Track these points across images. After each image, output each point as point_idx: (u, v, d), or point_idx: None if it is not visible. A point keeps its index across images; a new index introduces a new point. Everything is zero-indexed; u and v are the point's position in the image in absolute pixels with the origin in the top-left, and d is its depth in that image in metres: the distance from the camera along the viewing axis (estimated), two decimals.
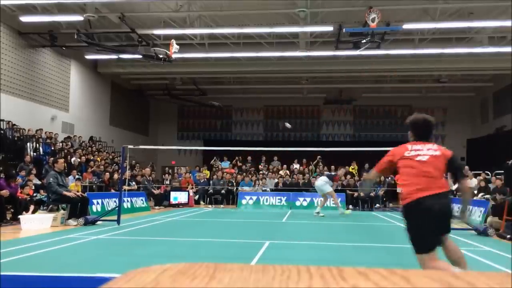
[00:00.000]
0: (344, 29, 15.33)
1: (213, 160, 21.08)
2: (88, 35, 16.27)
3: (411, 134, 3.92)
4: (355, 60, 19.94)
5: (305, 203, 16.19)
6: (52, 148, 16.74)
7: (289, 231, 9.00)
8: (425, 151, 3.73)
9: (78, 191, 10.62)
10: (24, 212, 9.72)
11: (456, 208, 12.52)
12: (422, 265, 3.49)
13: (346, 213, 13.48)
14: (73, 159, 16.36)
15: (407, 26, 15.62)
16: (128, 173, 14.56)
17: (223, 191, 17.47)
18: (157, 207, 15.45)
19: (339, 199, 13.81)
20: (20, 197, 10.10)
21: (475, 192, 13.37)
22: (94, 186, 15.01)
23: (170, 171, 20.51)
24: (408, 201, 3.59)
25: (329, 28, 16.30)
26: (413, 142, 3.87)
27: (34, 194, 11.40)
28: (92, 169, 16.13)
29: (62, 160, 10.16)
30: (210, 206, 16.78)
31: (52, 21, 17.00)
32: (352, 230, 9.38)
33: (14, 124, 16.02)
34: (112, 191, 14.05)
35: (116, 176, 15.59)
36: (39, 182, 12.58)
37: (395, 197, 18.66)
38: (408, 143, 3.89)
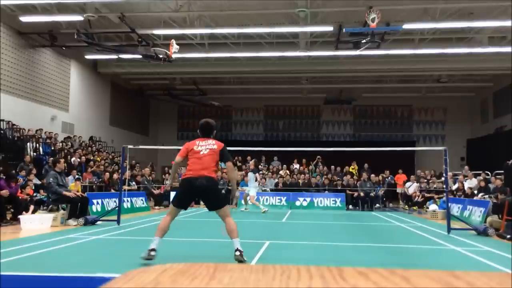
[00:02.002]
0: (344, 29, 15.33)
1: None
2: (88, 35, 16.27)
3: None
4: (355, 60, 19.93)
5: (305, 203, 16.20)
6: (52, 148, 16.74)
7: (289, 231, 9.00)
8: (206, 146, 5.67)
9: (78, 191, 10.61)
10: (24, 212, 9.71)
11: (456, 208, 12.48)
12: (169, 212, 5.54)
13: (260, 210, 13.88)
14: (73, 159, 16.36)
15: (407, 26, 15.61)
16: (128, 173, 14.56)
17: (223, 191, 17.45)
18: (157, 207, 15.45)
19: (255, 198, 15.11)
20: (20, 197, 10.10)
21: (475, 192, 13.37)
22: (94, 186, 15.01)
23: (170, 171, 20.46)
24: (183, 177, 5.60)
25: (329, 28, 16.30)
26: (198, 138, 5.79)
27: (34, 194, 11.39)
28: (92, 169, 16.12)
29: (63, 161, 10.16)
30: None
31: (52, 21, 16.99)
32: (352, 230, 9.38)
33: (14, 124, 16.02)
34: (112, 191, 14.05)
35: (115, 176, 15.59)
36: (39, 182, 12.58)
37: (395, 197, 18.68)
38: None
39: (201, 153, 5.58)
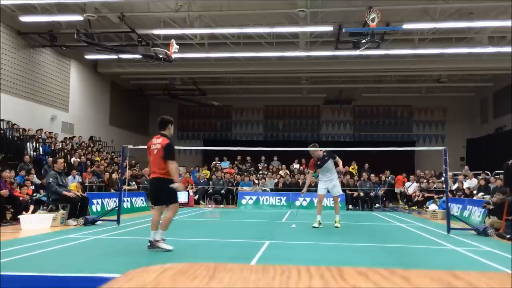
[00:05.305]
0: (344, 29, 15.33)
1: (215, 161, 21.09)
2: (88, 35, 16.27)
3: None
4: (355, 60, 19.94)
5: (305, 203, 16.18)
6: (52, 148, 16.74)
7: (289, 231, 9.00)
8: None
9: (78, 191, 10.61)
10: (24, 212, 9.71)
11: (456, 208, 12.45)
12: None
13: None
14: (73, 159, 16.37)
15: (407, 26, 15.61)
16: (128, 173, 14.57)
17: (223, 191, 17.47)
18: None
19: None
20: (20, 197, 10.10)
21: (475, 192, 13.37)
22: (94, 186, 15.01)
23: None
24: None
25: (329, 28, 16.30)
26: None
27: (34, 194, 11.39)
28: (92, 169, 16.13)
29: (61, 160, 10.16)
30: (210, 206, 16.78)
31: (52, 21, 17.00)
32: (352, 230, 9.37)
33: (14, 124, 16.02)
34: (112, 191, 14.05)
35: (114, 176, 15.58)
36: (39, 182, 12.58)
37: (395, 197, 18.68)
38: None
39: (154, 152, 6.09)
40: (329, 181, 9.75)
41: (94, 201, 10.93)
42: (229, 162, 20.94)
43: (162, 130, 6.28)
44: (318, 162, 9.75)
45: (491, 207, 9.55)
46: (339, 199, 10.25)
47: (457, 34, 17.90)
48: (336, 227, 9.50)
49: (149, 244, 6.03)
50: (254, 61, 20.75)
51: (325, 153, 9.80)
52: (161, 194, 6.14)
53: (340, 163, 9.88)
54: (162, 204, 6.20)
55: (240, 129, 29.72)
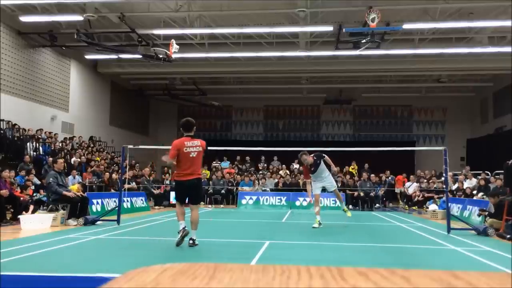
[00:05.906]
0: (344, 29, 15.34)
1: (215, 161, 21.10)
2: (88, 35, 16.27)
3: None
4: (355, 60, 19.93)
5: (305, 203, 16.18)
6: (52, 148, 16.74)
7: (289, 231, 9.00)
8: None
9: (77, 192, 10.61)
10: (24, 212, 9.71)
11: (456, 208, 12.45)
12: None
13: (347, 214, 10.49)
14: (73, 159, 16.36)
15: (407, 26, 15.61)
16: (129, 173, 14.56)
17: (223, 191, 17.47)
18: (157, 207, 15.45)
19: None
20: (20, 198, 10.09)
21: (474, 192, 13.37)
22: (94, 186, 15.01)
23: (170, 171, 20.45)
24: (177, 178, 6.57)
25: (329, 28, 16.30)
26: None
27: (34, 194, 11.39)
28: (92, 169, 16.13)
29: (61, 160, 10.16)
30: (210, 206, 16.78)
31: (52, 21, 17.00)
32: (352, 230, 9.38)
33: (14, 124, 16.02)
34: (112, 191, 14.05)
35: (114, 176, 15.58)
36: (39, 182, 12.58)
37: (395, 197, 18.68)
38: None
39: (191, 155, 6.32)
40: (325, 179, 9.83)
41: (94, 201, 10.94)
42: (229, 162, 20.94)
43: (188, 132, 6.59)
44: (312, 168, 9.71)
45: (487, 213, 9.56)
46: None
47: (457, 34, 17.90)
48: (348, 216, 10.26)
49: (183, 229, 6.26)
50: (254, 61, 20.74)
51: (315, 157, 9.70)
52: (200, 193, 6.96)
53: (330, 161, 9.83)
54: (198, 203, 6.75)
55: (240, 129, 29.72)
